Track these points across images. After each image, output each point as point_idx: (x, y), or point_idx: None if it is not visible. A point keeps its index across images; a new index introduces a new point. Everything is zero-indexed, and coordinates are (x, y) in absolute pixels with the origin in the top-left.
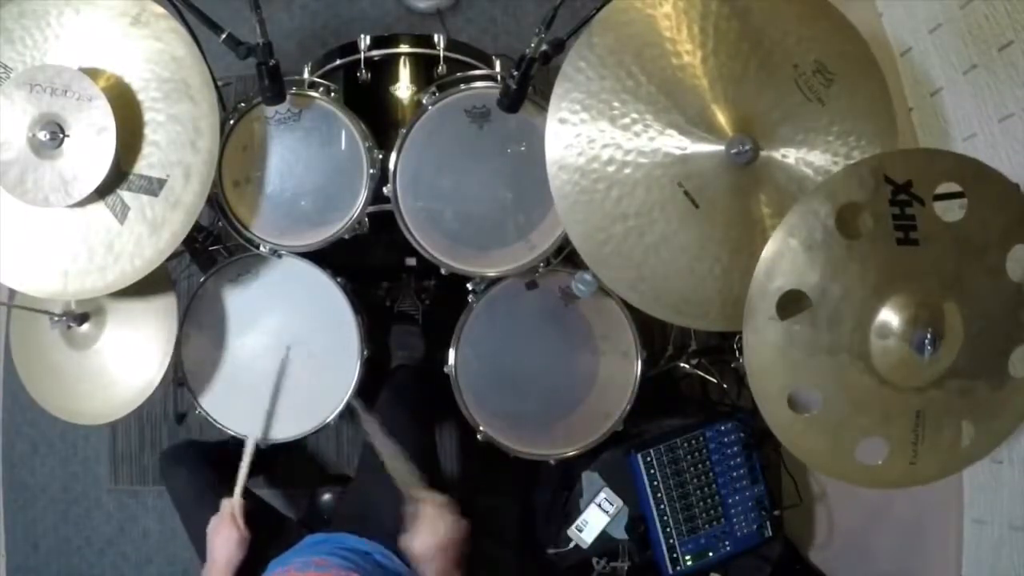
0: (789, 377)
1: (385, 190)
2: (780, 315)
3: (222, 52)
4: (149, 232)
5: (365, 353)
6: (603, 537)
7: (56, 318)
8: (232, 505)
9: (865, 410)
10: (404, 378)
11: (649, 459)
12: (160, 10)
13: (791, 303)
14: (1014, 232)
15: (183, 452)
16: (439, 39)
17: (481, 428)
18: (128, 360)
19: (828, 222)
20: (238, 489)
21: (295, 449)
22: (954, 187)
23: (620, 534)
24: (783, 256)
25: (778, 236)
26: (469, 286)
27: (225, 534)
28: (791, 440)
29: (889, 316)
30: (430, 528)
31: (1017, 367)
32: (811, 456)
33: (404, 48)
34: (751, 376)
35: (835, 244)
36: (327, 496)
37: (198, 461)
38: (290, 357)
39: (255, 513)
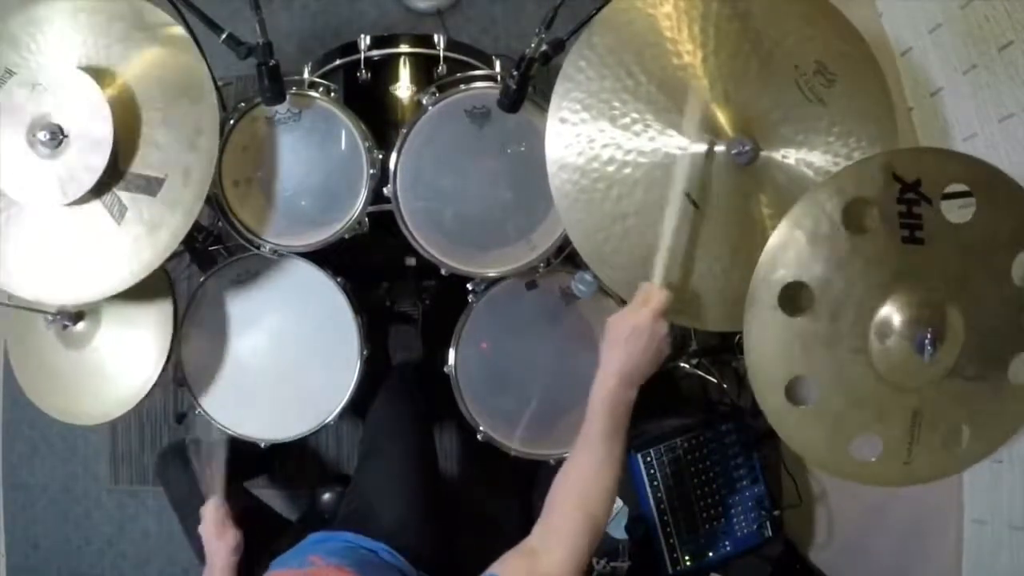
0: (788, 367)
1: (385, 190)
2: (781, 306)
3: (222, 52)
4: (147, 232)
5: (365, 353)
6: (603, 537)
7: (51, 317)
8: (213, 509)
9: (862, 406)
10: (403, 378)
11: (649, 459)
12: (160, 11)
13: (793, 295)
14: (1022, 237)
15: (180, 451)
16: (439, 39)
17: (481, 428)
18: (124, 358)
19: (835, 216)
20: (217, 493)
21: (295, 449)
22: (963, 187)
23: (620, 534)
24: (787, 247)
25: (784, 227)
26: (469, 286)
27: (217, 539)
28: (786, 430)
29: (891, 314)
30: (640, 313)
31: (1017, 374)
32: (805, 448)
33: (404, 48)
34: (750, 364)
35: (840, 238)
36: (327, 496)
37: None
38: (290, 357)
39: (251, 513)
